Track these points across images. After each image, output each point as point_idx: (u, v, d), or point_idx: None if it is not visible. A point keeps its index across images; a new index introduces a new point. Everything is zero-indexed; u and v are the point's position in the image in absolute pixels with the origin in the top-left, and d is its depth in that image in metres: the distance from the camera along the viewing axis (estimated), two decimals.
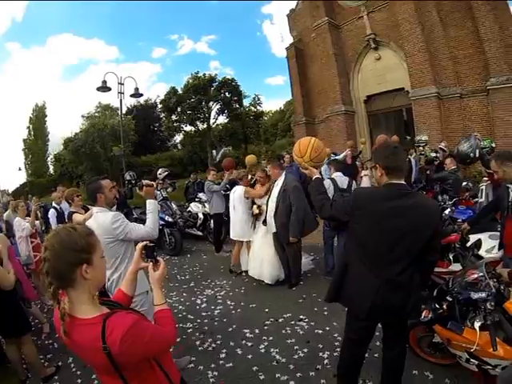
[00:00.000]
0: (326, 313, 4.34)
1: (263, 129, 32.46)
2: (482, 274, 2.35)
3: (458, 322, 2.37)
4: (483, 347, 2.20)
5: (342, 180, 5.57)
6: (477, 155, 5.08)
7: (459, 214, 5.16)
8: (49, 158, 43.69)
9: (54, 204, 6.56)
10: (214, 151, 27.20)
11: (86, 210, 5.37)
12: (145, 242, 1.79)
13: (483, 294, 2.25)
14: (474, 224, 3.67)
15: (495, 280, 2.33)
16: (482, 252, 3.42)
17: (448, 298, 2.47)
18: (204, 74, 24.60)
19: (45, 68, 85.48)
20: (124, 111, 36.90)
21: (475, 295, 2.29)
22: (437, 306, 2.54)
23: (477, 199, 4.96)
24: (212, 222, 7.89)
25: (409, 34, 12.01)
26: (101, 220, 2.71)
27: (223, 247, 7.72)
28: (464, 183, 5.96)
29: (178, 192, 11.79)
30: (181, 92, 24.66)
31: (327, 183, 5.16)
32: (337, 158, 10.49)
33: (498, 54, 10.64)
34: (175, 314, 4.87)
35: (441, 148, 8.54)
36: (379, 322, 2.42)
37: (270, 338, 3.85)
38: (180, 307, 5.13)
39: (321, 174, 2.73)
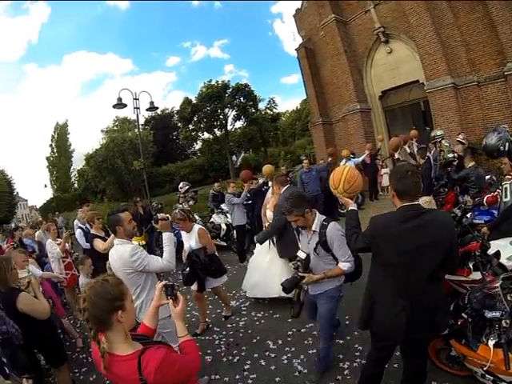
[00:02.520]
0: (347, 322, 4.37)
1: (281, 131, 32.50)
2: (497, 290, 2.33)
3: (472, 339, 2.38)
4: (497, 364, 2.21)
5: None
6: (506, 148, 4.93)
7: (481, 215, 5.06)
8: (73, 174, 44.89)
9: (79, 224, 6.83)
10: (233, 156, 27.40)
11: (107, 232, 5.59)
12: (164, 282, 1.95)
13: (497, 313, 2.27)
14: (495, 228, 3.59)
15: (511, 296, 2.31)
16: (503, 260, 3.32)
17: (463, 315, 2.49)
18: (217, 82, 25.00)
19: (63, 86, 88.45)
20: (142, 122, 37.87)
21: (489, 314, 2.31)
22: (453, 321, 2.55)
23: (500, 197, 4.80)
24: (235, 232, 7.97)
25: (418, 24, 11.69)
26: (120, 252, 2.86)
27: (247, 257, 7.79)
28: (487, 177, 5.84)
29: (200, 202, 11.94)
30: (195, 101, 25.02)
31: None
32: (355, 160, 10.49)
33: None
34: (189, 324, 5.01)
35: (459, 141, 8.39)
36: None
37: (293, 349, 3.93)
38: (193, 320, 5.24)
39: None
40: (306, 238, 3.10)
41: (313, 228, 2.96)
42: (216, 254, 4.66)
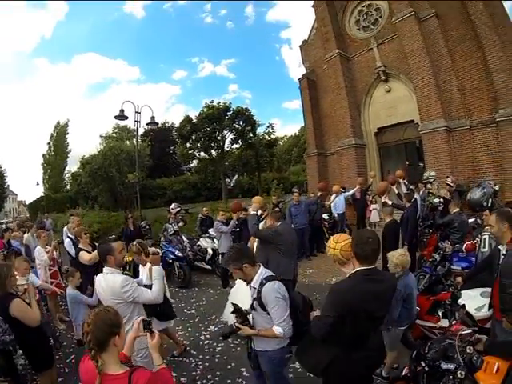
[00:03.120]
0: None
1: (276, 157, 32.75)
2: (454, 342, 2.47)
3: None
4: None
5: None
6: (489, 204, 5.12)
7: (459, 262, 5.20)
8: (66, 175, 44.43)
9: (69, 234, 6.93)
10: (227, 179, 27.54)
11: (93, 246, 5.70)
12: (142, 317, 2.26)
13: (451, 366, 2.37)
14: (470, 279, 3.74)
15: (471, 349, 2.40)
16: (471, 310, 3.49)
17: (422, 363, 2.60)
18: (218, 103, 25.18)
19: (69, 84, 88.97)
20: (141, 133, 38.00)
21: (444, 365, 2.42)
22: (413, 367, 2.70)
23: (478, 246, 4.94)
24: (220, 258, 8.02)
25: (417, 67, 12.12)
26: (111, 282, 2.88)
27: (230, 282, 7.83)
28: (471, 220, 5.99)
29: (190, 223, 12.01)
30: (195, 120, 25.20)
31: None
32: (345, 194, 10.67)
33: (507, 84, 10.60)
34: None
35: (447, 183, 8.61)
36: None
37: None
38: (185, 342, 5.25)
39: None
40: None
41: (252, 283, 2.87)
42: (168, 297, 4.61)
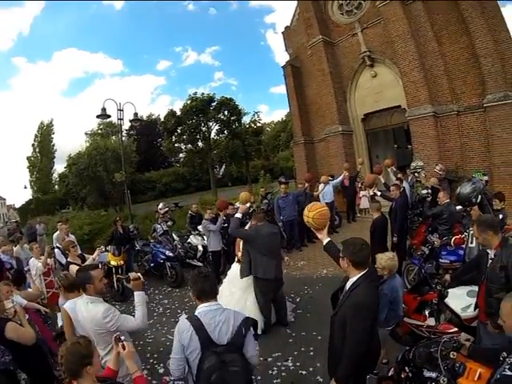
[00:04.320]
0: (311, 353, 4.52)
1: (264, 145, 32.70)
2: (436, 349, 2.53)
3: None
4: None
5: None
6: (478, 200, 5.11)
7: (448, 255, 5.22)
8: (53, 175, 43.95)
9: (57, 244, 6.91)
10: (215, 170, 27.47)
11: (82, 258, 5.66)
12: (116, 334, 2.45)
13: (433, 374, 2.44)
14: (457, 279, 3.75)
15: (454, 354, 2.45)
16: (457, 309, 3.52)
17: (406, 369, 2.67)
18: (202, 94, 24.96)
19: (50, 83, 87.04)
20: (126, 127, 37.56)
21: (427, 373, 2.49)
22: (398, 370, 2.79)
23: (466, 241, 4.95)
24: (211, 255, 7.99)
25: (403, 52, 11.94)
26: (92, 312, 2.78)
27: (221, 279, 7.81)
28: (459, 207, 5.99)
29: (180, 220, 11.96)
30: (180, 114, 24.98)
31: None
32: (332, 182, 10.65)
33: (494, 69, 10.43)
34: None
35: (436, 171, 8.61)
36: None
37: (258, 378, 3.87)
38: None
39: None
40: None
41: None
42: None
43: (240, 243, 5.69)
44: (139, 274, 3.12)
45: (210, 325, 2.32)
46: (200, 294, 2.44)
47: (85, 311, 2.84)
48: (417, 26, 11.94)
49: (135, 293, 3.02)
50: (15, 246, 8.41)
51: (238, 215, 5.47)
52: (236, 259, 5.81)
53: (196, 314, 2.41)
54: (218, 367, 2.18)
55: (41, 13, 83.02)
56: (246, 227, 6.04)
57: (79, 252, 6.64)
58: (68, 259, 5.54)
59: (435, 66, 11.82)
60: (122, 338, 2.41)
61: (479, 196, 5.07)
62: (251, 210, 9.06)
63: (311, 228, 3.16)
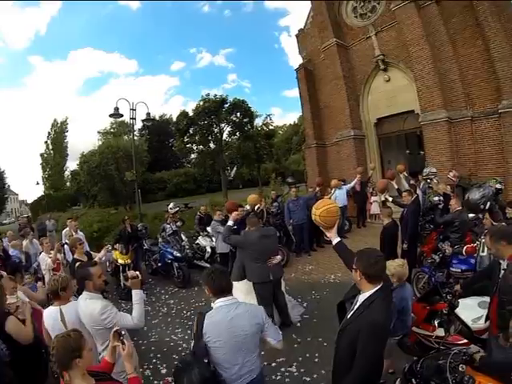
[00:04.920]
0: (316, 359, 4.47)
1: (276, 148, 32.68)
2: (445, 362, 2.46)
3: None
4: None
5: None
6: (487, 207, 5.01)
7: (459, 264, 5.11)
8: (66, 172, 44.58)
9: (66, 240, 7.01)
10: (226, 171, 27.52)
11: (89, 256, 5.71)
12: (115, 328, 2.44)
13: None
14: (468, 289, 3.66)
15: (463, 367, 2.37)
16: (468, 321, 3.43)
17: (413, 381, 2.62)
18: (215, 96, 24.97)
19: (66, 81, 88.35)
20: (139, 127, 37.89)
21: None
22: (405, 382, 2.75)
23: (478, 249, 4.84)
24: (219, 257, 8.02)
25: (417, 56, 11.77)
26: (90, 308, 2.84)
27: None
28: (471, 215, 5.86)
29: (189, 220, 11.99)
30: (192, 114, 25.04)
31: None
32: (346, 187, 10.59)
33: (510, 74, 10.24)
34: (179, 353, 5.08)
35: (449, 178, 8.47)
36: None
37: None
38: (184, 345, 5.30)
39: None
40: None
41: None
42: None
43: None
44: (138, 272, 3.13)
45: (227, 317, 2.46)
46: (218, 289, 2.54)
47: (84, 307, 2.90)
48: (431, 29, 11.75)
49: (133, 291, 3.04)
50: (25, 240, 8.53)
51: (230, 223, 5.45)
52: None
53: (214, 308, 2.55)
54: None
55: (58, 13, 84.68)
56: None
57: (86, 249, 6.77)
58: (74, 256, 5.60)
59: (450, 70, 11.63)
60: (123, 332, 2.42)
61: (488, 203, 4.97)
62: (259, 210, 9.08)
63: (319, 226, 2.99)
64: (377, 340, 2.26)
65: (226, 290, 2.57)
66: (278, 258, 5.53)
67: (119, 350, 2.34)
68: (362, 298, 2.46)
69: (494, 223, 5.27)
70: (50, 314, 3.11)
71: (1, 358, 3.17)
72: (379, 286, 2.39)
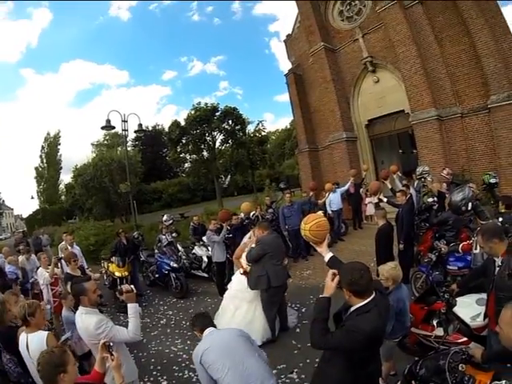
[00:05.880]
0: (316, 365, 4.36)
1: (269, 154, 32.79)
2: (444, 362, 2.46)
3: None
4: None
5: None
6: (469, 208, 5.03)
7: (456, 261, 5.12)
8: (61, 185, 44.53)
9: (62, 254, 7.07)
10: (220, 179, 27.60)
11: (82, 270, 5.74)
12: (104, 341, 2.54)
13: None
14: (462, 287, 3.65)
15: (463, 367, 2.37)
16: (466, 318, 3.42)
17: (413, 383, 2.62)
18: (206, 104, 25.03)
19: (57, 94, 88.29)
20: (131, 138, 37.90)
21: None
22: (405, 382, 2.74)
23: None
24: (215, 266, 7.99)
25: (404, 56, 11.84)
26: (86, 323, 2.90)
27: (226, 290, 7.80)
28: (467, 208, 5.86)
29: (185, 230, 11.99)
30: (184, 124, 25.02)
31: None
32: (340, 190, 10.62)
33: (497, 69, 10.30)
34: (179, 364, 5.11)
35: (443, 176, 8.50)
36: None
37: None
38: (184, 356, 5.31)
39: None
40: None
41: None
42: None
43: (242, 256, 5.72)
44: (132, 286, 3.13)
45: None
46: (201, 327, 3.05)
47: (80, 322, 2.96)
48: (417, 29, 11.85)
49: (128, 305, 3.05)
50: (21, 256, 8.50)
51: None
52: (240, 271, 5.75)
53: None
54: None
55: (48, 25, 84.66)
56: (247, 236, 6.06)
57: (82, 264, 6.79)
58: (67, 271, 5.62)
59: (437, 68, 11.72)
60: (111, 344, 2.54)
61: (469, 203, 5.00)
62: (254, 216, 9.11)
63: (310, 242, 2.92)
64: (352, 341, 2.18)
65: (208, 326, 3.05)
66: (286, 259, 5.76)
67: (109, 362, 2.43)
68: (352, 309, 2.42)
69: (482, 222, 5.35)
70: (20, 340, 3.10)
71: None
72: (371, 298, 2.32)
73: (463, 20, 10.88)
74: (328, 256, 2.78)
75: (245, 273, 5.60)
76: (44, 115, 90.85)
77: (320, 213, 3.47)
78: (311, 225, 2.76)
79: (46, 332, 3.13)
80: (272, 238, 5.39)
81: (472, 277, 3.75)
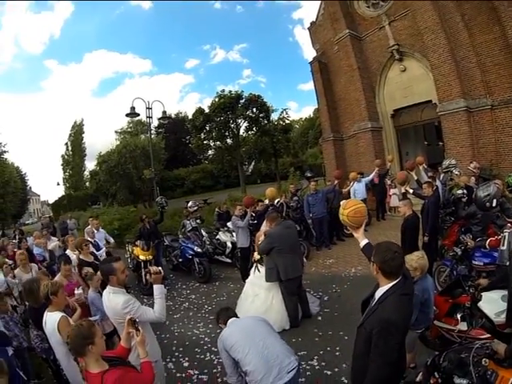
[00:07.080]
0: (337, 353, 4.51)
1: (293, 142, 32.55)
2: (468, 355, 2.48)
3: None
4: None
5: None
6: (493, 204, 4.91)
7: (482, 257, 5.04)
8: (85, 172, 45.59)
9: (89, 238, 7.28)
10: (244, 166, 27.62)
11: (94, 256, 5.94)
12: (129, 317, 2.69)
13: (464, 381, 2.38)
14: (492, 288, 3.59)
15: (486, 361, 2.38)
16: (491, 314, 3.35)
17: (436, 374, 2.61)
18: (230, 92, 25.03)
19: (81, 84, 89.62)
20: (155, 125, 38.29)
21: (457, 380, 2.42)
22: (427, 375, 2.73)
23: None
24: (239, 252, 8.05)
25: (433, 44, 11.48)
26: (113, 303, 2.98)
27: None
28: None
29: (209, 216, 12.13)
30: (208, 111, 25.15)
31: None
32: (365, 179, 10.53)
33: None
34: (201, 346, 5.23)
35: (470, 170, 8.35)
36: None
37: None
38: (206, 339, 5.44)
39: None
40: None
41: None
42: None
43: (261, 238, 5.76)
44: (160, 268, 3.26)
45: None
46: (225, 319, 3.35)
47: (107, 301, 3.04)
48: (446, 16, 11.42)
49: (154, 286, 3.14)
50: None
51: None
52: (252, 260, 5.91)
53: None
54: None
55: (71, 15, 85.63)
56: (262, 227, 6.10)
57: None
58: (81, 257, 5.78)
59: (467, 57, 11.29)
60: (137, 320, 2.68)
61: (494, 200, 4.87)
62: (279, 203, 9.15)
63: (347, 226, 2.97)
64: (389, 340, 2.20)
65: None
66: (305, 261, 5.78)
67: (134, 337, 2.58)
68: (378, 293, 2.43)
69: (508, 219, 5.25)
70: (44, 317, 3.32)
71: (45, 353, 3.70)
72: (395, 282, 2.34)
73: (494, 7, 10.44)
74: (364, 242, 2.79)
75: (256, 261, 5.74)
76: (69, 104, 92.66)
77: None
78: (349, 210, 2.78)
79: (61, 315, 3.26)
80: (280, 230, 5.35)
81: (500, 279, 3.63)
